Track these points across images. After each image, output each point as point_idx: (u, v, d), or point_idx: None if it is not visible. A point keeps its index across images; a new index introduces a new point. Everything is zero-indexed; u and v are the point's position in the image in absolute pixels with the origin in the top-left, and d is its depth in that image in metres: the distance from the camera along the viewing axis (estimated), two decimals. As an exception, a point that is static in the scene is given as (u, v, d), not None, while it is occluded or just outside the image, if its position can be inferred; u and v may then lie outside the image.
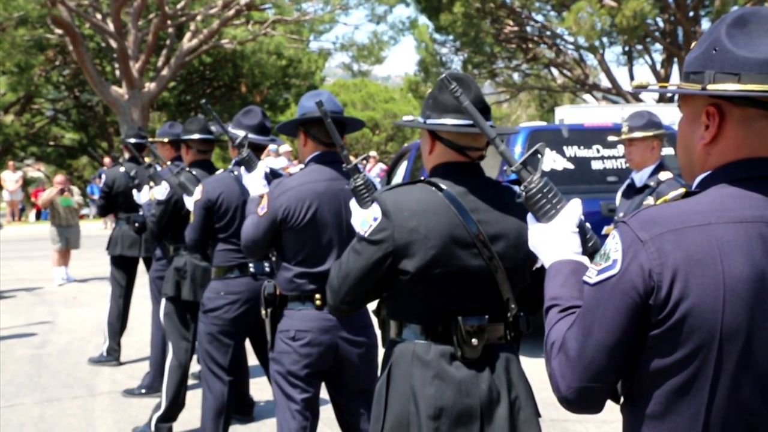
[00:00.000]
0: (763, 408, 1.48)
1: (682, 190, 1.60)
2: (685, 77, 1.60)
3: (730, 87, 1.51)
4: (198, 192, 4.45)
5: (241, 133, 4.23)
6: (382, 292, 2.51)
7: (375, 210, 2.42)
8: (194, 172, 5.09)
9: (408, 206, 2.38)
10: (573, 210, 1.89)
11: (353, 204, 2.84)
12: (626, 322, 1.49)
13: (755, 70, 1.49)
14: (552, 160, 7.43)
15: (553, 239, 1.85)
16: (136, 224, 6.26)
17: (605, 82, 26.18)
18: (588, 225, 1.93)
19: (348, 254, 2.48)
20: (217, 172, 4.75)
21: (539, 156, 2.05)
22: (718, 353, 1.46)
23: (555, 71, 28.64)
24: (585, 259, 1.82)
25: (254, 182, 3.83)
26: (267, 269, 4.39)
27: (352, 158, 3.03)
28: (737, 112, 1.53)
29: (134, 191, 6.21)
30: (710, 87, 1.53)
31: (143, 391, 6.12)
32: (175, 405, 5.18)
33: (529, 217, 1.95)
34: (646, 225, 1.49)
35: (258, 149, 4.35)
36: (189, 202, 4.75)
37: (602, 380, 1.54)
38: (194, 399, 5.24)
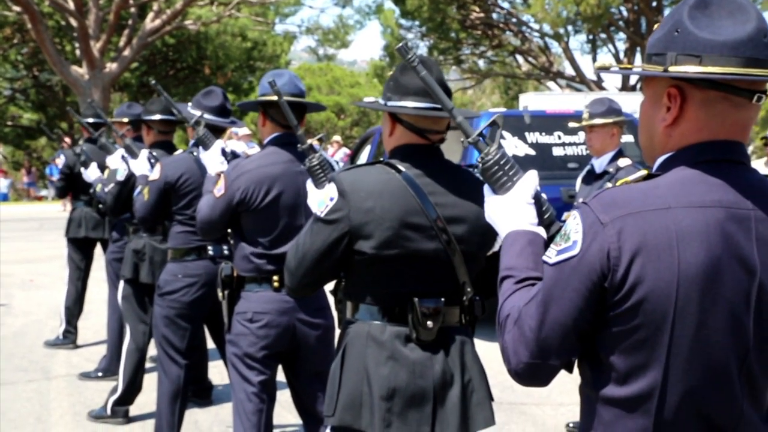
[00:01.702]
0: (713, 390, 1.50)
1: (643, 172, 1.59)
2: (648, 59, 1.60)
3: (692, 69, 1.51)
4: (156, 171, 4.39)
5: (197, 113, 4.18)
6: (339, 272, 2.50)
7: (331, 190, 2.41)
8: (155, 153, 5.02)
9: (365, 187, 2.37)
10: (529, 181, 1.88)
11: (309, 184, 2.82)
12: (584, 303, 1.50)
13: (716, 52, 1.49)
14: (514, 146, 7.47)
15: (509, 210, 1.83)
16: (100, 205, 6.17)
17: (569, 70, 26.36)
18: (544, 196, 1.92)
19: (304, 235, 2.46)
20: (176, 153, 4.70)
21: (497, 128, 2.04)
22: (671, 337, 1.47)
23: (520, 58, 28.75)
24: (541, 230, 1.82)
25: (211, 160, 3.78)
26: (226, 252, 4.36)
27: (309, 140, 3.00)
28: (698, 95, 1.53)
29: (82, 169, 6.12)
30: (672, 69, 1.53)
31: (100, 374, 6.06)
32: (132, 388, 5.13)
33: (486, 188, 1.93)
34: (606, 207, 1.50)
35: (218, 131, 4.31)
36: (135, 166, 4.72)
37: (555, 358, 1.55)
38: (151, 382, 5.19)
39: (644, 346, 1.48)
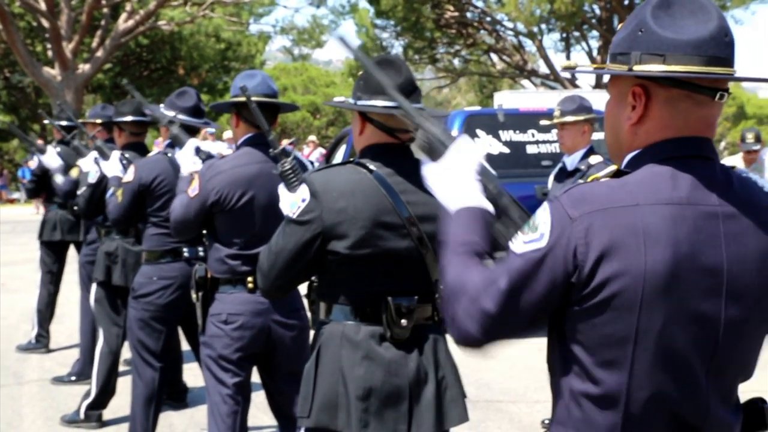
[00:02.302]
0: (679, 387, 1.51)
1: (613, 168, 1.60)
2: (613, 58, 1.61)
3: (656, 68, 1.52)
4: (130, 173, 4.36)
5: (171, 114, 4.16)
6: (312, 273, 2.50)
7: (303, 191, 2.40)
8: (127, 155, 4.98)
9: (336, 187, 2.37)
10: (463, 145, 1.84)
11: (281, 188, 2.80)
12: (545, 294, 1.51)
13: (680, 51, 1.51)
14: (488, 144, 7.49)
15: (454, 181, 1.79)
16: (75, 208, 6.11)
17: (543, 68, 26.49)
18: (485, 165, 1.88)
19: (277, 237, 2.46)
20: (150, 154, 4.66)
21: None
22: (636, 334, 1.48)
23: (494, 57, 28.86)
24: (488, 205, 1.78)
25: (185, 159, 3.76)
26: (201, 253, 4.33)
27: (281, 143, 3.00)
28: (663, 93, 1.55)
29: (38, 156, 6.05)
30: (636, 68, 1.54)
31: (73, 378, 6.00)
32: (106, 392, 5.09)
33: (424, 158, 1.91)
34: (576, 203, 1.50)
35: (192, 132, 4.28)
36: (106, 167, 4.69)
37: (504, 339, 1.59)
38: (125, 385, 5.15)
39: (611, 343, 1.49)
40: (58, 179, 5.94)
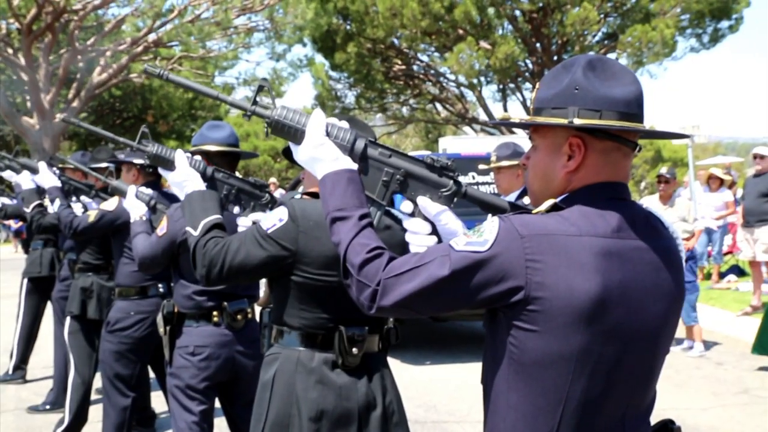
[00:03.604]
0: (601, 403, 1.52)
1: (551, 201, 1.59)
2: (540, 112, 1.63)
3: (595, 122, 1.56)
4: (113, 204, 4.34)
5: (138, 161, 4.14)
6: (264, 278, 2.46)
7: (281, 212, 2.38)
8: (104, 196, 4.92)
9: (313, 217, 2.36)
10: (316, 120, 1.83)
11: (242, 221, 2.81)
12: (466, 294, 1.50)
13: (613, 108, 1.56)
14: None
15: (316, 153, 1.78)
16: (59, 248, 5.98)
17: (483, 116, 26.82)
18: (332, 122, 1.85)
19: (248, 242, 2.36)
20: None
21: (269, 90, 1.95)
22: (579, 352, 1.48)
23: (439, 106, 29.15)
24: (351, 163, 1.78)
25: (129, 205, 3.73)
26: (162, 290, 4.29)
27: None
28: (598, 145, 1.59)
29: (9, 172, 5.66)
30: (577, 121, 1.57)
31: (47, 407, 5.85)
32: (79, 419, 4.97)
33: (291, 145, 1.88)
34: (525, 224, 1.51)
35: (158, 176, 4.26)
36: (40, 179, 4.73)
37: (413, 314, 1.59)
38: (97, 413, 5.02)
39: (545, 357, 1.49)
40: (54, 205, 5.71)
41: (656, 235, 1.61)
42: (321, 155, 1.77)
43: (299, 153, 1.84)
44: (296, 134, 1.85)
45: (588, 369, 1.49)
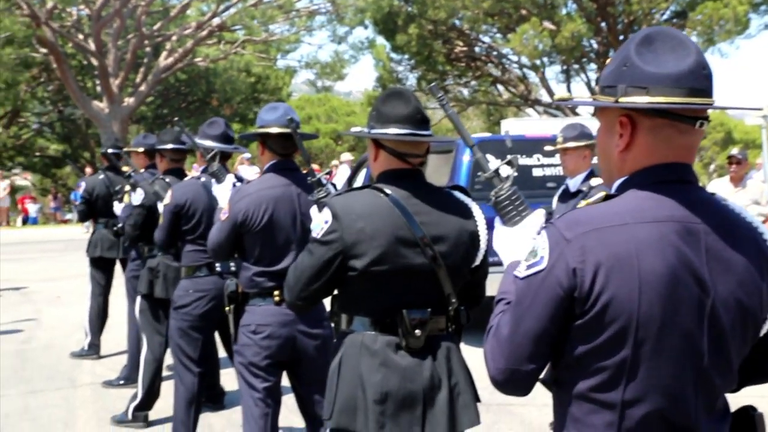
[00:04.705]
0: (671, 390, 1.50)
1: (603, 194, 1.60)
2: (601, 91, 1.62)
3: (640, 99, 1.53)
4: (168, 197, 4.41)
5: (207, 144, 4.21)
6: (333, 288, 2.51)
7: (326, 214, 2.42)
8: (167, 180, 5.04)
9: (355, 209, 2.38)
10: (536, 219, 1.89)
11: (313, 211, 2.82)
12: (551, 313, 1.51)
13: (661, 84, 1.52)
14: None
15: (514, 242, 1.86)
16: (115, 228, 6.18)
17: (546, 98, 26.44)
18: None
19: (302, 255, 2.48)
20: (186, 179, 4.71)
21: (512, 166, 2.06)
22: (635, 340, 1.47)
23: (501, 87, 28.85)
24: None
25: (223, 193, 3.80)
26: (233, 268, 4.36)
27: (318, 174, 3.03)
28: (647, 122, 1.55)
29: (115, 203, 6.11)
30: (622, 99, 1.55)
31: (121, 382, 6.03)
32: (151, 395, 5.12)
33: (497, 219, 1.95)
34: (570, 225, 1.51)
35: (224, 157, 4.34)
36: (161, 208, 4.70)
37: (528, 364, 1.56)
38: (169, 389, 5.17)
39: (610, 349, 1.49)
40: (117, 208, 5.97)
41: (724, 220, 1.55)
42: (520, 250, 1.82)
43: (502, 234, 1.90)
44: (512, 218, 1.91)
45: (646, 357, 1.48)
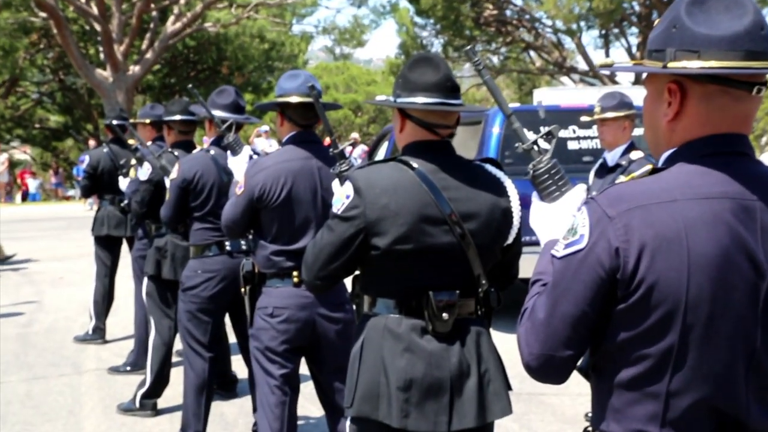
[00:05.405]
0: (720, 379, 1.49)
1: (649, 167, 1.58)
2: (648, 55, 1.59)
3: (691, 64, 1.49)
4: (174, 171, 4.41)
5: (217, 114, 4.21)
6: (355, 268, 2.50)
7: (347, 188, 2.41)
8: (176, 153, 5.06)
9: (379, 184, 2.37)
10: (577, 195, 1.89)
11: (335, 185, 2.82)
12: (591, 295, 1.50)
13: (714, 46, 1.48)
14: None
15: (553, 219, 1.86)
16: (122, 204, 6.21)
17: (582, 65, 26.22)
18: None
19: (322, 231, 2.47)
20: (194, 152, 4.71)
21: (552, 138, 2.05)
22: (683, 325, 1.46)
23: (533, 54, 28.64)
24: None
25: (238, 166, 3.81)
26: (243, 247, 4.37)
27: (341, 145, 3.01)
28: (698, 89, 1.52)
29: (120, 178, 6.13)
30: (671, 65, 1.52)
31: (128, 368, 6.10)
32: (160, 381, 5.17)
33: (534, 194, 1.94)
34: (613, 202, 1.49)
35: (236, 128, 4.33)
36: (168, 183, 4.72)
37: (564, 349, 1.55)
38: (178, 375, 5.23)
39: (655, 335, 1.48)
40: (123, 183, 5.99)
41: None
42: (559, 227, 1.82)
43: (540, 209, 1.91)
44: (551, 193, 1.92)
45: (695, 342, 1.47)
